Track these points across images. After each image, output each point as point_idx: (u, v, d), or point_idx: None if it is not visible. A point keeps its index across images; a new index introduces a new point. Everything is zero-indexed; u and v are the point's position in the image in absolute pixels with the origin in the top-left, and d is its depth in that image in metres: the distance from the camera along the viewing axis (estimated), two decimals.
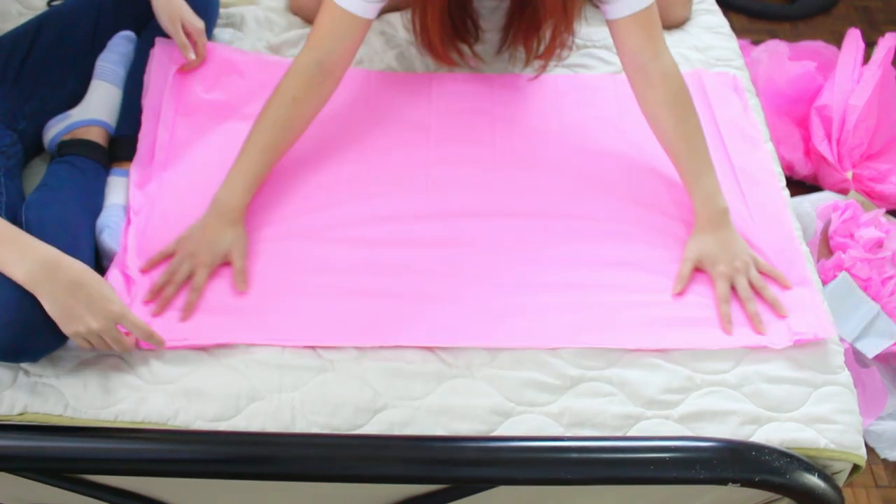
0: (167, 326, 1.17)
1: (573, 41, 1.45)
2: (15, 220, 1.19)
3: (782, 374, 1.17)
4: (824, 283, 1.73)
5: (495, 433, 1.11)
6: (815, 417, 1.13)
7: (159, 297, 1.20)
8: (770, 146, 1.49)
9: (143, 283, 1.22)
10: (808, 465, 1.08)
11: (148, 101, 1.43)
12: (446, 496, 1.13)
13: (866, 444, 1.19)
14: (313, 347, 1.17)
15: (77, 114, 1.38)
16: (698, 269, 1.26)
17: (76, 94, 1.42)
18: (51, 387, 1.12)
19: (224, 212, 1.25)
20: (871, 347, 1.71)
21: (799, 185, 2.12)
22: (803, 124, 2.13)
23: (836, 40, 2.20)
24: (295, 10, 1.67)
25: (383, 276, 1.25)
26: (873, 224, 1.85)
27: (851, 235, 1.85)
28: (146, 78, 1.45)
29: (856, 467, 1.13)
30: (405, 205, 1.35)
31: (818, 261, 1.83)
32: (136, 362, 1.15)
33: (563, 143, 1.46)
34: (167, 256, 1.24)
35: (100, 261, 1.25)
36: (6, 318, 1.04)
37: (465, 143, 1.45)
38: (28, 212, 1.21)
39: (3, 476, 1.11)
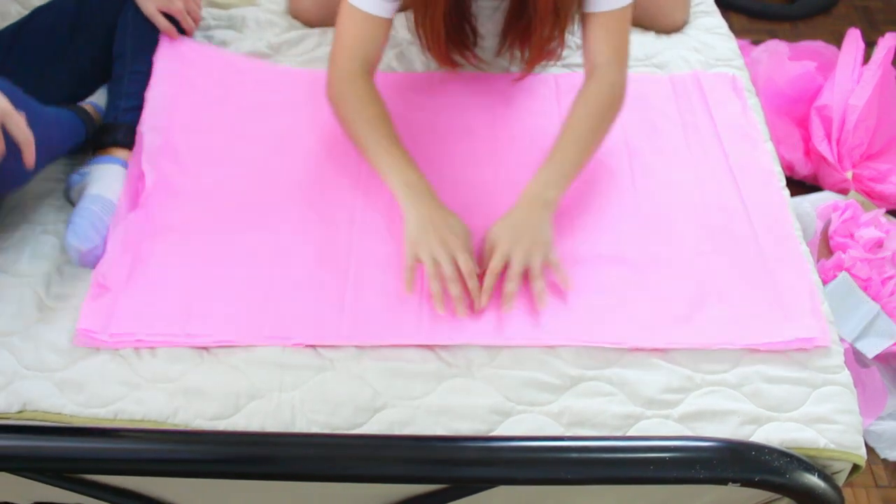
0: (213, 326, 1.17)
1: (561, 51, 1.46)
2: None
3: (782, 373, 1.17)
4: (824, 283, 1.73)
5: (495, 433, 1.11)
6: (814, 417, 1.13)
7: (449, 302, 1.17)
8: (770, 146, 1.49)
9: (118, 290, 1.21)
10: (808, 465, 1.07)
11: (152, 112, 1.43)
12: (446, 496, 1.13)
13: (866, 444, 1.19)
14: (313, 346, 1.17)
15: None
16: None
17: (63, 84, 1.42)
18: (50, 384, 1.12)
19: (427, 196, 1.23)
20: (871, 347, 1.71)
21: (799, 185, 2.12)
22: (803, 124, 2.13)
23: (836, 40, 2.20)
24: (295, 13, 1.68)
25: (381, 275, 1.25)
26: (873, 224, 1.85)
27: (851, 235, 1.85)
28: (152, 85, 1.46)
29: (856, 467, 1.13)
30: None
31: (818, 261, 1.83)
32: (135, 360, 1.15)
33: None
34: (413, 269, 1.19)
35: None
36: None
37: (465, 141, 1.45)
38: None
39: (3, 476, 1.11)
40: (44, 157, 1.21)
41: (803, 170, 2.10)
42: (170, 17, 1.50)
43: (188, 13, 1.52)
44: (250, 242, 1.28)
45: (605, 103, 1.33)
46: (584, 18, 1.37)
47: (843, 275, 1.76)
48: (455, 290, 1.17)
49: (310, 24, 1.66)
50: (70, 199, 1.34)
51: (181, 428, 1.11)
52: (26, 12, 1.55)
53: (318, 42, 1.62)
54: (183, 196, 1.34)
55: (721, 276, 1.26)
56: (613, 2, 1.33)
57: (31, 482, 1.12)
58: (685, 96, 1.55)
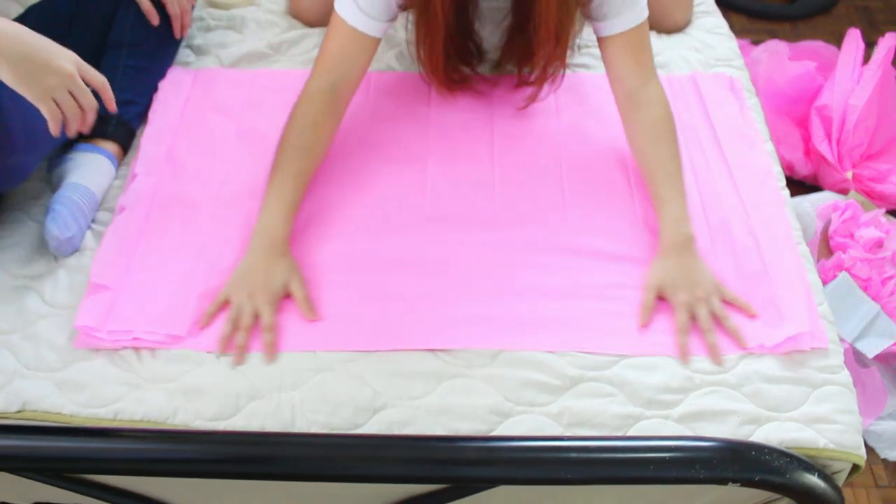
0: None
1: (564, 72, 1.45)
2: None
3: (782, 373, 1.17)
4: (824, 283, 1.73)
5: (495, 433, 1.11)
6: (814, 417, 1.13)
7: (232, 348, 1.16)
8: (770, 146, 1.49)
9: (118, 288, 1.21)
10: (808, 465, 1.07)
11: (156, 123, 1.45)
12: (446, 496, 1.13)
13: (866, 444, 1.19)
14: (313, 351, 1.17)
15: None
16: (661, 298, 1.23)
17: None
18: (50, 384, 1.12)
19: (269, 245, 1.22)
20: (871, 347, 1.71)
21: (799, 185, 2.12)
22: (803, 124, 2.13)
23: (836, 40, 2.20)
24: (295, 13, 1.68)
25: (379, 280, 1.24)
26: (873, 224, 1.85)
27: (851, 235, 1.85)
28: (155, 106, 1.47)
29: (855, 467, 1.13)
30: (403, 205, 1.35)
31: (818, 261, 1.83)
32: (135, 360, 1.15)
33: (562, 142, 1.46)
34: (221, 306, 1.19)
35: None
36: None
37: (464, 143, 1.45)
38: None
39: (3, 476, 1.11)
40: (40, 149, 1.21)
41: (803, 170, 2.10)
42: (162, 13, 1.50)
43: (180, 7, 1.50)
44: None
45: (665, 126, 1.33)
46: (602, 43, 1.36)
47: (843, 275, 1.76)
48: (241, 339, 1.15)
49: (310, 24, 1.66)
50: (51, 182, 1.33)
51: (181, 428, 1.11)
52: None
53: (317, 42, 1.62)
54: (182, 198, 1.34)
55: (719, 277, 1.25)
56: (630, 20, 1.32)
57: (31, 482, 1.12)
58: (683, 97, 1.55)
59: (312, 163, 1.30)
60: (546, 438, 1.10)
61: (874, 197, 2.02)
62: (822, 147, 2.04)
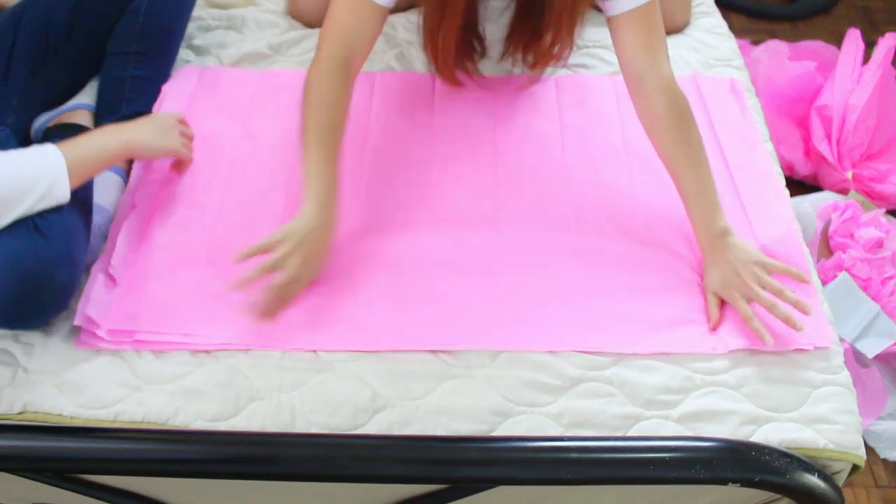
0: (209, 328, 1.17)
1: (569, 53, 1.44)
2: None
3: (782, 374, 1.17)
4: (824, 283, 1.74)
5: (495, 433, 1.11)
6: (814, 417, 1.13)
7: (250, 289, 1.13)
8: (770, 146, 1.49)
9: (123, 285, 1.21)
10: (808, 465, 1.08)
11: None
12: (446, 496, 1.13)
13: (866, 444, 1.19)
14: (314, 351, 1.17)
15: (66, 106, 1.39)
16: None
17: (61, 83, 1.41)
18: (50, 385, 1.12)
19: (324, 206, 1.19)
20: (871, 347, 1.71)
21: (799, 185, 2.12)
22: (803, 124, 2.13)
23: (836, 40, 2.20)
24: (294, 14, 1.67)
25: (379, 280, 1.24)
26: (873, 224, 1.85)
27: (851, 235, 1.85)
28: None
29: (855, 467, 1.13)
30: (404, 206, 1.35)
31: (818, 261, 1.83)
32: (135, 362, 1.15)
33: (562, 142, 1.46)
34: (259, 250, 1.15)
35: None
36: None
37: (465, 143, 1.45)
38: None
39: (3, 476, 1.11)
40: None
41: (803, 170, 2.10)
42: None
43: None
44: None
45: (680, 113, 1.29)
46: (611, 23, 1.32)
47: (843, 275, 1.76)
48: (266, 296, 1.14)
49: (310, 24, 1.66)
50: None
51: (181, 429, 1.11)
52: None
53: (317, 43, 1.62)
54: (186, 198, 1.35)
55: None
56: None
57: (31, 482, 1.12)
58: None
59: (339, 140, 1.26)
60: (546, 439, 1.10)
61: (874, 197, 2.02)
62: (822, 147, 2.04)
